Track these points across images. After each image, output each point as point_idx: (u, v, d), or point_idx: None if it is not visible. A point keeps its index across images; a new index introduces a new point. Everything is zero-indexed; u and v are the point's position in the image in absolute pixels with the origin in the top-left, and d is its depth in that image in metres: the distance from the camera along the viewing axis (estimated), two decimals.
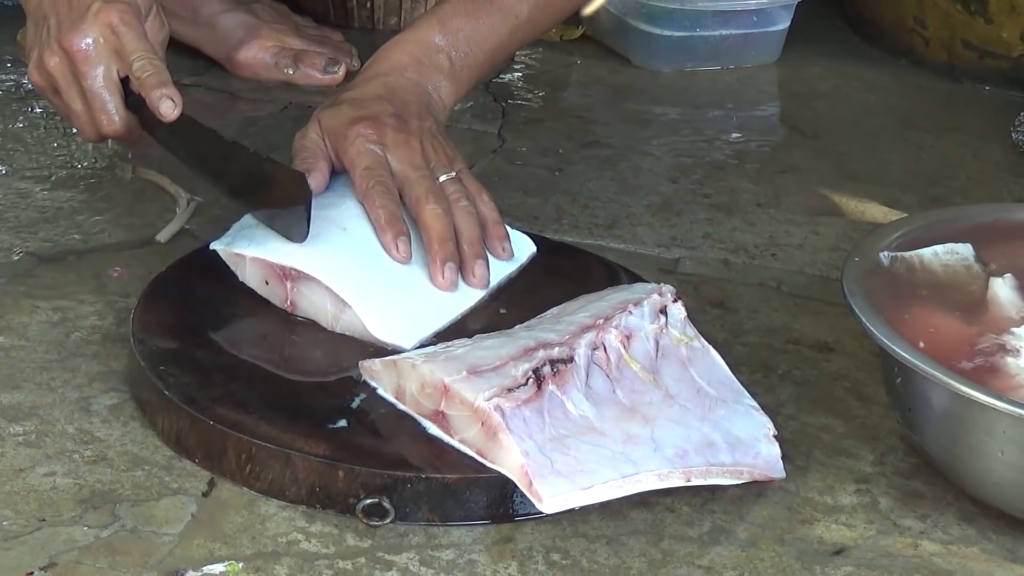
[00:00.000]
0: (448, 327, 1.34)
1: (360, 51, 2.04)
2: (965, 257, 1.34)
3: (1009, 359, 1.21)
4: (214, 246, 1.37)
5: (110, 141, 1.53)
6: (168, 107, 1.38)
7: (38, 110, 1.82)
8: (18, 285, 1.45)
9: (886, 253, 1.32)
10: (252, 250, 1.35)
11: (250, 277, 1.36)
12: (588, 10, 1.56)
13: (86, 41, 1.40)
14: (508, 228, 1.44)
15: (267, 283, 1.35)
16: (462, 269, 1.38)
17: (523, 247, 1.45)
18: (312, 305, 1.33)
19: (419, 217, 1.38)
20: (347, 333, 1.32)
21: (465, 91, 1.54)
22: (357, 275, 1.33)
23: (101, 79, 1.41)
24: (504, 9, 1.55)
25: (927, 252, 1.34)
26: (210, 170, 1.44)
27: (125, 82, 1.41)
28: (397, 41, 1.52)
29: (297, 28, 2.02)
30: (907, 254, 1.33)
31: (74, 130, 1.49)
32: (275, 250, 1.34)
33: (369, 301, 1.32)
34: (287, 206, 1.34)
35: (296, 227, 1.33)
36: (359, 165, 1.40)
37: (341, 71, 1.98)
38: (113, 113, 1.41)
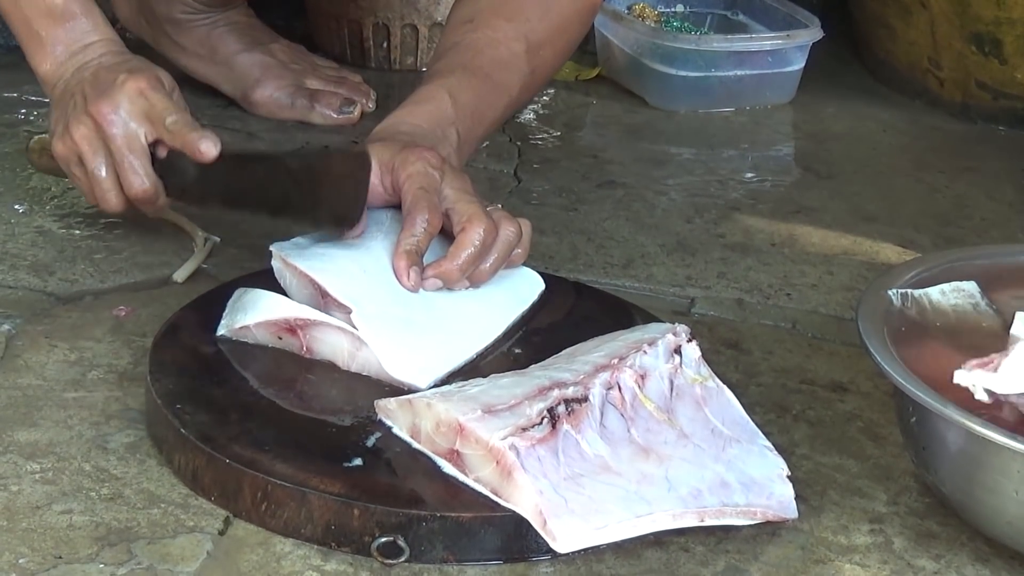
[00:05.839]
0: (462, 367, 1.35)
1: (377, 91, 2.05)
2: (972, 295, 1.34)
3: None
4: (219, 332, 1.37)
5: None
6: (208, 145, 1.44)
7: None
8: (36, 324, 1.46)
9: (895, 291, 1.33)
10: (252, 316, 1.35)
11: (261, 338, 1.36)
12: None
13: (115, 106, 1.46)
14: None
15: (280, 338, 1.35)
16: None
17: (532, 285, 1.46)
18: (329, 346, 1.34)
19: (463, 232, 1.38)
20: (362, 372, 1.33)
21: (463, 165, 1.54)
22: (374, 316, 1.33)
23: (131, 141, 1.47)
24: (500, 87, 1.56)
25: (935, 291, 1.34)
26: (254, 197, 1.48)
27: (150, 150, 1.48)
28: (411, 110, 1.52)
29: (315, 68, 2.04)
30: (916, 293, 1.33)
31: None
32: (282, 307, 1.35)
33: (385, 340, 1.32)
34: (345, 190, 1.39)
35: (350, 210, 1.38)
36: (415, 183, 1.39)
37: (356, 111, 1.99)
38: (143, 174, 1.47)
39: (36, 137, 1.67)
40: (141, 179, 1.47)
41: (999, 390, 1.16)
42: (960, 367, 1.20)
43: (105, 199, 1.49)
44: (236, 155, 1.48)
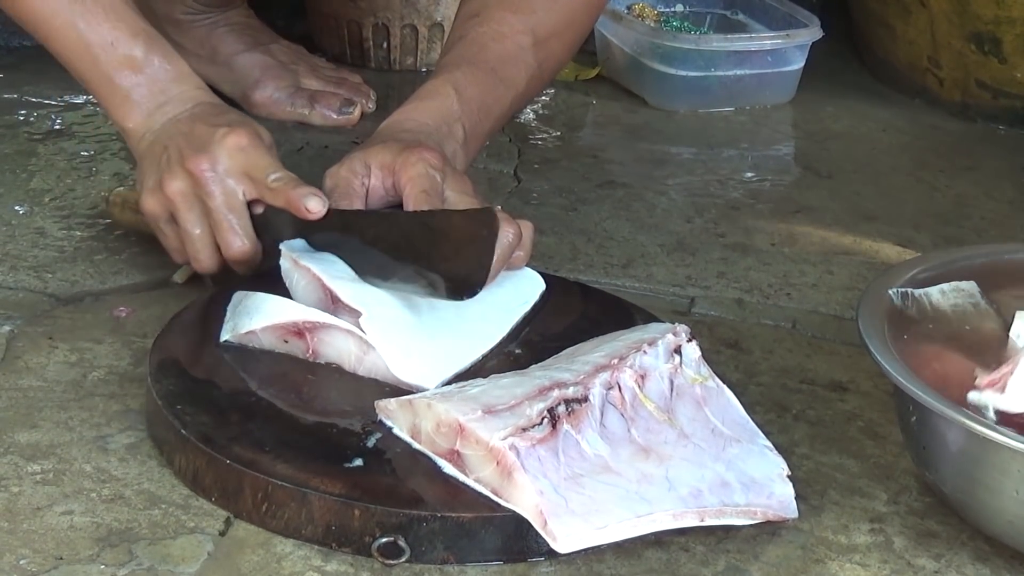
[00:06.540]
0: (467, 369, 1.35)
1: (377, 91, 2.05)
2: (971, 294, 1.34)
3: None
4: (224, 338, 1.36)
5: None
6: (316, 203, 1.37)
7: (59, 150, 1.83)
8: (36, 326, 1.46)
9: (896, 291, 1.33)
10: (259, 321, 1.35)
11: (267, 343, 1.36)
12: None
13: (214, 162, 1.40)
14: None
15: (286, 342, 1.35)
16: None
17: (533, 285, 1.46)
18: (334, 350, 1.34)
19: None
20: (370, 375, 1.33)
21: (471, 161, 1.54)
22: (382, 319, 1.33)
23: (230, 199, 1.41)
24: (506, 81, 1.56)
25: (934, 291, 1.34)
26: (360, 257, 1.39)
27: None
28: (416, 106, 1.51)
29: (315, 69, 2.04)
30: (916, 292, 1.33)
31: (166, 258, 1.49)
32: (289, 310, 1.35)
33: (393, 344, 1.32)
34: (467, 253, 1.32)
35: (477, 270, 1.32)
36: (417, 186, 1.38)
37: (356, 112, 1.99)
38: (243, 234, 1.41)
39: (116, 190, 1.61)
40: (241, 239, 1.41)
41: (1010, 409, 1.17)
42: (964, 371, 1.22)
43: (198, 258, 1.44)
44: (342, 212, 1.39)
